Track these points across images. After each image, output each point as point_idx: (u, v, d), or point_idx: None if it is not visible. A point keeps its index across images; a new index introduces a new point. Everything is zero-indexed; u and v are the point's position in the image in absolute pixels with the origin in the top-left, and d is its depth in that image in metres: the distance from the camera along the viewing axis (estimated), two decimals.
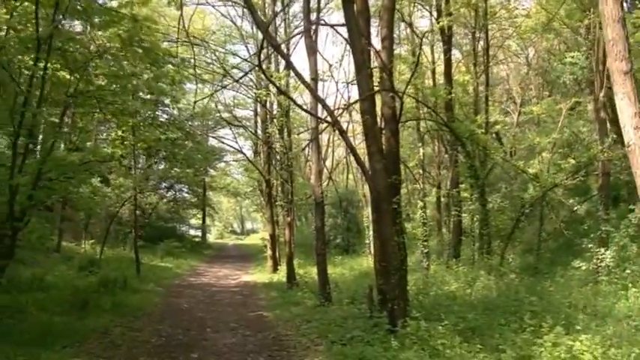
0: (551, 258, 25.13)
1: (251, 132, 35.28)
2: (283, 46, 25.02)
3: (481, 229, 23.87)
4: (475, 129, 23.11)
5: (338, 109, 14.77)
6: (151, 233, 42.41)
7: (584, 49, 27.34)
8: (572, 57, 26.74)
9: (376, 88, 14.43)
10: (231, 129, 36.38)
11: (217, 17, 33.69)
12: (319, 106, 17.87)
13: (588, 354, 8.80)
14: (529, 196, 22.83)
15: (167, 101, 41.35)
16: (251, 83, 30.25)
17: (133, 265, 26.70)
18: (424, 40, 28.19)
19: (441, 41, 26.94)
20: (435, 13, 27.16)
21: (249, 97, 34.21)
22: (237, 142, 36.50)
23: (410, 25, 28.86)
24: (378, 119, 14.31)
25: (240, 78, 22.90)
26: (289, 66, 16.03)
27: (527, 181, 32.51)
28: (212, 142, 52.45)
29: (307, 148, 35.73)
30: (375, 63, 15.73)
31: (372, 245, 33.52)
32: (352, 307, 16.84)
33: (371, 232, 33.90)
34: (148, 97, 16.81)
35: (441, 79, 27.93)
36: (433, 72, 29.31)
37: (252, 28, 32.66)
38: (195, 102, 19.41)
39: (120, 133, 16.76)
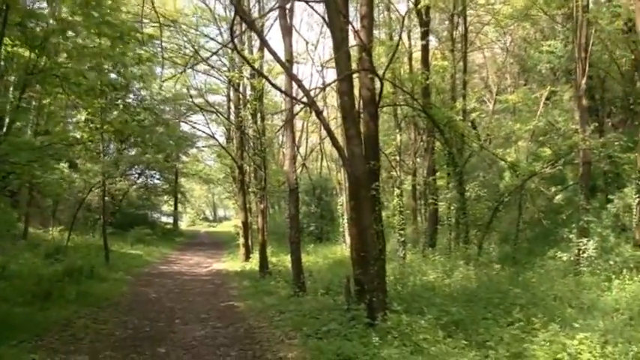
0: (529, 248, 24.68)
1: (224, 117, 34.23)
2: (257, 25, 24.23)
3: (458, 218, 23.24)
4: (453, 116, 22.48)
5: (315, 89, 13.89)
6: (121, 220, 41.37)
7: (561, 38, 27.00)
8: (549, 45, 26.42)
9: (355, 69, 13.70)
10: (203, 114, 35.37)
11: None
12: (295, 88, 17.13)
13: (587, 353, 8.14)
14: (507, 185, 22.25)
15: (137, 84, 40.89)
16: (224, 68, 29.46)
17: (101, 252, 25.75)
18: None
19: (418, 26, 26.15)
20: None
21: (221, 82, 33.37)
22: (209, 128, 35.43)
23: (388, 8, 28.11)
24: (356, 102, 13.60)
25: (212, 55, 22.10)
26: (263, 44, 15.22)
27: (503, 169, 32.23)
28: (184, 127, 51.57)
29: (281, 134, 34.96)
30: (353, 43, 15.00)
31: (346, 233, 33.01)
32: (328, 298, 16.19)
33: (345, 220, 33.51)
34: (114, 77, 15.61)
35: (417, 65, 27.18)
36: (410, 58, 28.55)
37: (225, 11, 31.83)
38: (163, 81, 18.35)
39: (86, 115, 15.82)
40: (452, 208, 24.76)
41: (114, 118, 16.37)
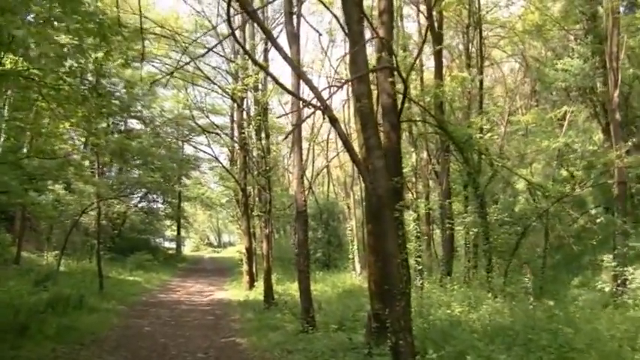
0: (553, 275, 22.56)
1: (227, 135, 32.29)
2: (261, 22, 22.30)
3: (479, 244, 20.96)
4: (473, 133, 20.37)
5: (328, 87, 11.75)
6: (122, 245, 39.27)
7: (576, 55, 25.34)
8: (564, 63, 24.75)
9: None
10: (206, 136, 33.35)
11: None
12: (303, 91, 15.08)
13: None
14: (526, 209, 20.13)
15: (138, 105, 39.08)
16: (227, 84, 27.44)
17: (97, 279, 23.53)
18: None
19: (430, 42, 24.14)
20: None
21: (224, 102, 31.39)
22: (212, 150, 33.64)
23: (401, 16, 26.13)
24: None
25: (213, 47, 19.80)
26: (267, 38, 13.08)
27: (517, 192, 30.18)
28: (187, 150, 49.76)
29: (287, 151, 32.90)
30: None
31: (356, 261, 30.84)
32: (341, 335, 14.07)
33: (355, 247, 31.39)
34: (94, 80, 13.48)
35: (428, 83, 25.21)
36: (421, 78, 26.59)
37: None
38: (151, 83, 16.19)
39: (67, 125, 13.75)
40: (470, 233, 22.48)
41: (100, 129, 14.21)
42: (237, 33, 17.12)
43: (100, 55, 11.87)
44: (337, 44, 32.15)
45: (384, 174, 10.26)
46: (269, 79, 25.44)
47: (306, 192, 38.36)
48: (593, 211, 22.57)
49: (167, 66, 27.16)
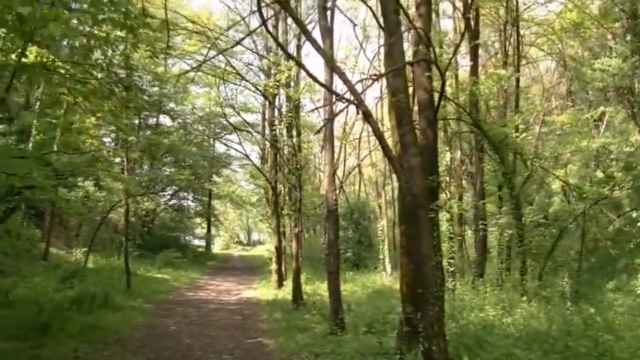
0: (588, 279, 21.81)
1: (258, 133, 31.92)
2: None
3: (514, 246, 20.23)
4: (510, 132, 19.73)
5: (363, 80, 11.20)
6: (151, 242, 39.03)
7: (615, 55, 24.65)
8: (602, 63, 24.07)
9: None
10: (237, 134, 32.98)
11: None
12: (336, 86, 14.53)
13: None
14: (560, 210, 19.43)
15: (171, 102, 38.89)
16: (258, 80, 26.99)
17: (124, 276, 23.27)
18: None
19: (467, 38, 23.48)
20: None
21: (255, 99, 30.95)
22: (243, 148, 33.28)
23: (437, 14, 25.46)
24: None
25: (243, 39, 19.38)
26: (299, 28, 12.55)
27: (551, 193, 29.39)
28: (218, 148, 49.54)
29: (319, 148, 32.35)
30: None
31: (387, 261, 30.26)
32: (371, 338, 13.52)
33: (386, 247, 30.82)
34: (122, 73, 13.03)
35: (463, 80, 24.51)
36: (456, 76, 25.92)
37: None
38: (179, 75, 15.75)
39: (94, 120, 13.39)
40: (504, 235, 21.80)
41: (127, 124, 13.81)
42: (269, 26, 16.66)
43: (128, 46, 11.50)
44: (372, 40, 31.26)
45: (420, 172, 9.77)
46: (301, 75, 25.04)
47: (337, 191, 38.04)
48: (634, 214, 21.71)
49: (198, 62, 26.86)
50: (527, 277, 19.50)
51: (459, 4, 24.28)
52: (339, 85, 19.39)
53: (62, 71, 11.61)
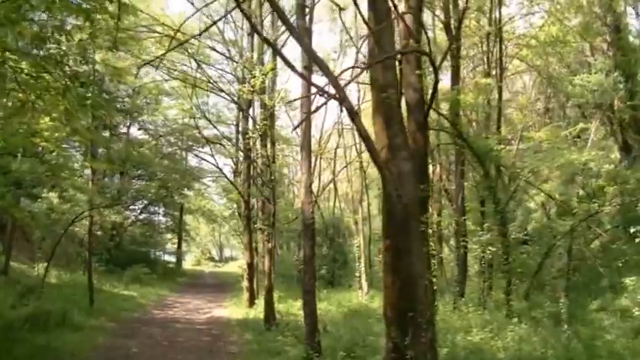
0: (572, 298, 20.68)
1: (231, 145, 30.62)
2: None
3: (499, 264, 18.99)
4: (495, 146, 18.64)
5: (353, 68, 9.92)
6: (120, 257, 37.33)
7: (593, 71, 24.01)
8: (582, 79, 23.38)
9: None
10: (210, 147, 31.51)
11: None
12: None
13: None
14: (559, 226, 18.30)
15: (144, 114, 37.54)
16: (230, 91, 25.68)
17: (88, 293, 21.65)
18: None
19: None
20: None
21: (228, 108, 29.65)
22: (215, 160, 32.01)
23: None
24: None
25: (217, 21, 18.04)
26: (276, 12, 11.22)
27: (529, 210, 28.41)
28: (190, 161, 48.13)
29: (292, 168, 31.17)
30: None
31: (363, 279, 28.92)
32: None
33: (362, 265, 29.47)
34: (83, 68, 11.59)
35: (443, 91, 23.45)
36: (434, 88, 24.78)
37: (235, 34, 28.44)
38: (139, 67, 14.25)
39: (48, 121, 11.97)
40: (487, 252, 20.54)
41: (81, 123, 12.37)
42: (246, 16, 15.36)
43: (84, 36, 10.15)
44: (349, 52, 29.77)
45: (411, 179, 8.56)
46: (277, 84, 23.89)
47: (314, 204, 36.78)
48: (632, 229, 20.71)
49: (170, 68, 25.60)
50: (512, 297, 18.33)
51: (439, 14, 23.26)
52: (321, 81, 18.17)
53: (11, 64, 10.22)
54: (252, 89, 19.11)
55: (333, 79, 8.16)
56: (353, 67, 10.19)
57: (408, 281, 8.70)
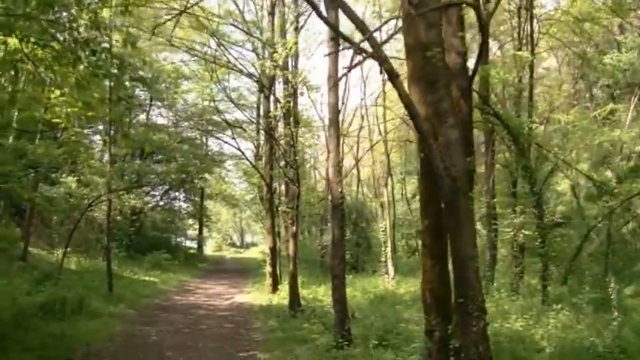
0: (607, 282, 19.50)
1: (253, 127, 29.61)
2: None
3: (537, 248, 17.74)
4: (531, 123, 17.52)
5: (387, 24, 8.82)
6: (141, 243, 36.59)
7: (624, 50, 22.94)
8: (612, 58, 22.27)
9: None
10: (231, 130, 30.44)
11: None
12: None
13: None
14: (601, 208, 17.13)
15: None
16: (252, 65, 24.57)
17: (107, 279, 20.80)
18: None
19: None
20: None
21: (252, 81, 28.42)
22: (237, 143, 30.87)
23: None
24: None
25: None
26: None
27: (558, 193, 27.30)
28: (210, 146, 47.18)
29: (323, 135, 29.87)
30: None
31: (389, 264, 27.83)
32: (384, 353, 11.32)
33: (389, 249, 28.37)
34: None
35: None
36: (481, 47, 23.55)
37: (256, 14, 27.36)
38: (154, 28, 13.25)
39: (59, 94, 11.02)
40: (520, 236, 19.39)
41: (93, 96, 11.40)
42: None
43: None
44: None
45: (459, 149, 7.50)
46: (300, 63, 22.84)
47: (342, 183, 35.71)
48: None
49: (189, 49, 24.60)
50: (548, 282, 17.22)
51: None
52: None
53: (17, 31, 9.25)
54: (274, 64, 18.06)
55: (372, 38, 7.14)
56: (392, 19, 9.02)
57: (461, 264, 7.68)
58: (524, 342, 11.88)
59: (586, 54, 27.79)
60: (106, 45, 9.57)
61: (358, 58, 7.60)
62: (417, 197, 42.28)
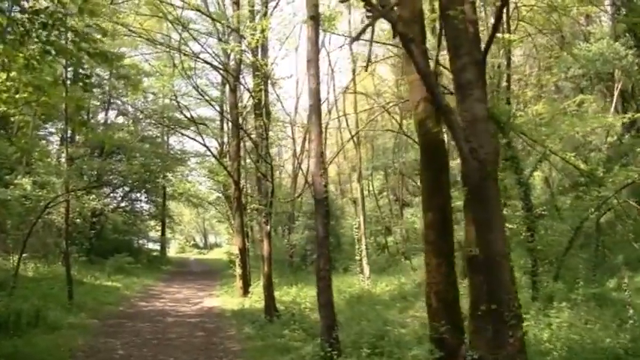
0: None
1: (217, 119, 28.06)
2: None
3: (526, 242, 16.56)
4: (515, 112, 16.46)
5: None
6: (102, 247, 34.91)
7: (592, 40, 22.41)
8: (582, 48, 21.62)
9: None
10: (197, 127, 28.80)
11: None
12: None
13: None
14: (594, 198, 16.08)
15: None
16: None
17: (67, 286, 19.08)
18: None
19: None
20: None
21: (216, 72, 26.99)
22: (202, 138, 29.03)
23: None
24: None
25: None
26: None
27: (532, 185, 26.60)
28: (173, 144, 45.53)
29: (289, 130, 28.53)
30: None
31: (364, 262, 26.56)
32: None
33: (363, 246, 27.02)
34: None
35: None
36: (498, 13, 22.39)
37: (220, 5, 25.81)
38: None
39: (5, 78, 9.45)
40: (505, 228, 18.15)
41: (43, 79, 9.84)
42: None
43: None
44: None
45: (486, 127, 6.20)
46: (270, 44, 21.36)
47: (301, 188, 34.37)
48: None
49: (150, 40, 22.93)
50: (539, 278, 16.08)
51: None
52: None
53: None
54: (243, 50, 16.54)
55: None
56: None
57: (488, 264, 6.40)
58: (529, 344, 10.72)
59: (558, 44, 27.07)
60: (60, 15, 8.01)
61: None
62: (385, 193, 41.83)
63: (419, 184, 19.05)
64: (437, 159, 8.59)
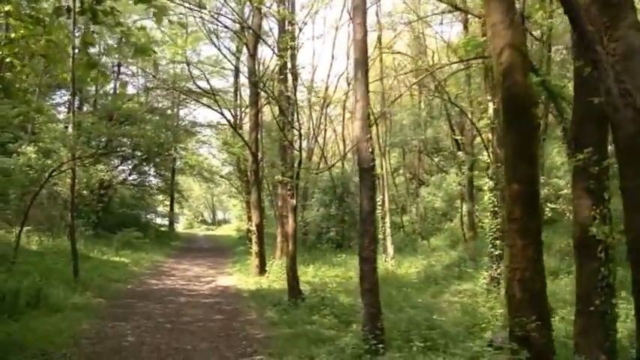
0: None
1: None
2: None
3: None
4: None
5: None
6: (109, 221, 33.62)
7: None
8: None
9: None
10: (214, 97, 27.03)
11: None
12: None
13: None
14: None
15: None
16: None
17: (72, 261, 17.47)
18: None
19: None
20: None
21: (232, 31, 25.25)
22: (219, 106, 26.98)
23: None
24: None
25: None
26: None
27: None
28: (184, 117, 43.99)
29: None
30: None
31: (388, 242, 24.98)
32: None
33: (387, 224, 25.43)
34: None
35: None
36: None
37: None
38: None
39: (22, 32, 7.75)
40: None
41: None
42: None
43: None
44: None
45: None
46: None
47: (319, 164, 32.74)
48: None
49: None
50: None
51: None
52: None
53: None
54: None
55: None
56: None
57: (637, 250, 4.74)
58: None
59: None
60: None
61: None
62: (401, 171, 40.14)
63: (489, 151, 17.36)
64: (525, 118, 6.96)
